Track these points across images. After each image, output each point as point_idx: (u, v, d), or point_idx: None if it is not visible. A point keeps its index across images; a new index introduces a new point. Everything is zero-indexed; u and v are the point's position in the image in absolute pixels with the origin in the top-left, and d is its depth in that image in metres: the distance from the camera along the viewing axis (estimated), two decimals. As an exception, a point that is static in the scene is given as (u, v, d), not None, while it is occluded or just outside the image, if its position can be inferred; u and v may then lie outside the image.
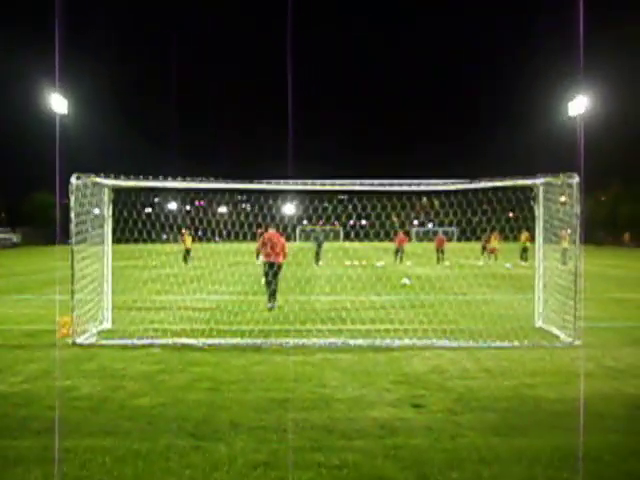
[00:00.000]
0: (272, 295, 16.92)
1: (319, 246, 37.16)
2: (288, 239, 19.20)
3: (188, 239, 33.68)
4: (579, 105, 53.15)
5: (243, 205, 20.02)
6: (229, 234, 16.57)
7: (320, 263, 36.06)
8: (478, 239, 41.21)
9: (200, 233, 15.75)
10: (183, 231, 32.88)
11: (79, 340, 12.04)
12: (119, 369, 9.91)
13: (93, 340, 12.20)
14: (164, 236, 33.56)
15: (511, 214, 15.50)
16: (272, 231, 17.29)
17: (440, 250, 39.05)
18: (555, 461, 6.14)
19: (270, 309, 16.47)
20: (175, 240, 33.62)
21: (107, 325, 13.60)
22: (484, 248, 41.08)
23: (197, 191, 15.13)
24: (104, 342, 12.04)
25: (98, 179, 12.89)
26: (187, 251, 33.85)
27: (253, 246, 18.14)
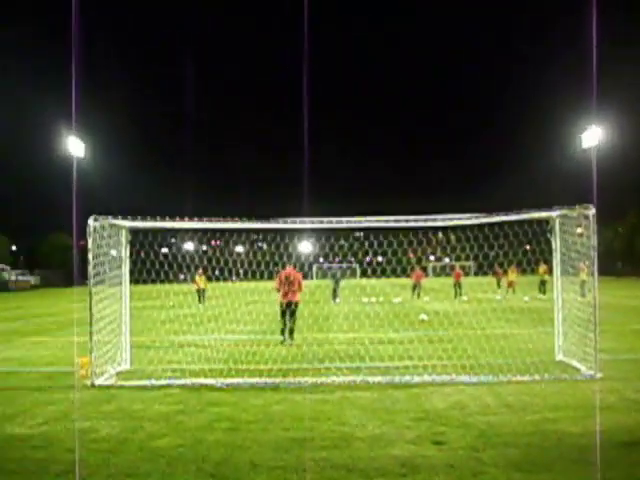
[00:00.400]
0: (290, 333, 17.32)
1: (336, 283, 37.17)
2: (305, 277, 19.22)
3: (201, 280, 34.01)
4: (592, 136, 53.09)
5: (259, 244, 20.08)
6: (246, 273, 16.62)
7: (337, 300, 36.01)
8: (495, 273, 41.08)
9: (217, 272, 15.76)
10: (200, 272, 33.17)
11: (98, 381, 12.04)
12: (138, 410, 9.90)
13: (112, 381, 12.20)
14: (181, 276, 33.71)
15: (528, 247, 15.45)
16: (289, 268, 17.46)
17: (457, 284, 38.92)
18: (580, 497, 6.04)
19: (283, 342, 17.07)
20: (193, 280, 33.80)
21: (126, 366, 13.61)
22: (498, 282, 40.87)
23: (214, 231, 15.23)
24: (123, 383, 12.04)
25: (115, 221, 13.01)
26: (201, 291, 34.26)
27: (270, 284, 18.14)
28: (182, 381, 12.07)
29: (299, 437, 8.23)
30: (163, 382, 12.00)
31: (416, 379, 11.88)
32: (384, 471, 6.88)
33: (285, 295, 17.43)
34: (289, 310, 17.44)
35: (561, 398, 10.17)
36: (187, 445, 7.96)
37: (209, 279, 33.24)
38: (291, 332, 17.43)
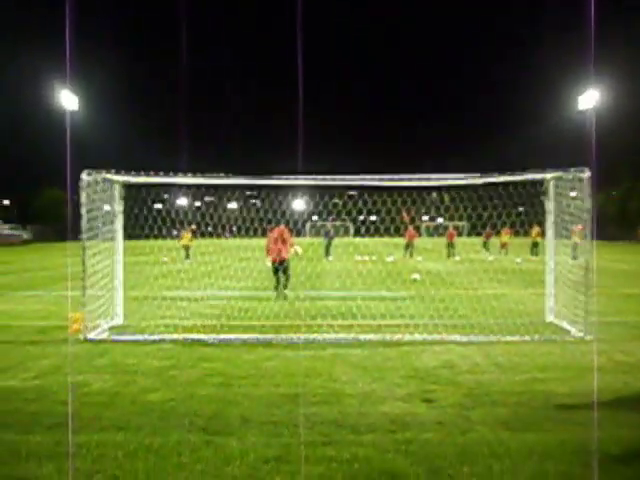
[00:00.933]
0: (284, 289, 17.80)
1: (329, 241, 37.24)
2: (299, 234, 19.31)
3: (186, 237, 34.13)
4: (589, 99, 52.78)
5: (253, 201, 20.03)
6: (239, 230, 16.59)
7: (330, 258, 36.11)
8: (487, 234, 41.21)
9: (210, 229, 15.73)
10: (193, 227, 33.24)
11: (91, 336, 12.09)
12: (131, 365, 9.96)
13: (105, 336, 12.25)
14: (174, 232, 33.72)
15: (521, 209, 15.45)
16: (281, 226, 17.58)
17: (450, 245, 39.02)
18: (566, 456, 6.13)
19: (277, 298, 17.45)
20: (179, 236, 33.86)
21: (118, 321, 13.65)
22: (485, 243, 40.99)
23: (207, 187, 15.15)
24: (115, 338, 12.09)
25: (109, 175, 12.92)
26: (186, 248, 34.51)
27: (263, 242, 18.13)
28: (174, 336, 12.12)
29: (290, 393, 8.29)
30: (156, 337, 12.05)
31: (407, 337, 11.96)
32: (374, 427, 6.96)
33: (279, 253, 17.61)
34: (281, 268, 17.66)
35: (550, 359, 10.26)
36: (179, 399, 8.02)
37: (194, 235, 33.45)
38: (285, 288, 17.73)
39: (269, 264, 17.96)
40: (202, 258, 32.01)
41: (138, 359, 10.33)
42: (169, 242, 33.71)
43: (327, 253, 36.72)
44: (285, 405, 7.77)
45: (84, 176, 12.20)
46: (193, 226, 32.15)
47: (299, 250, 18.17)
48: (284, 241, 17.58)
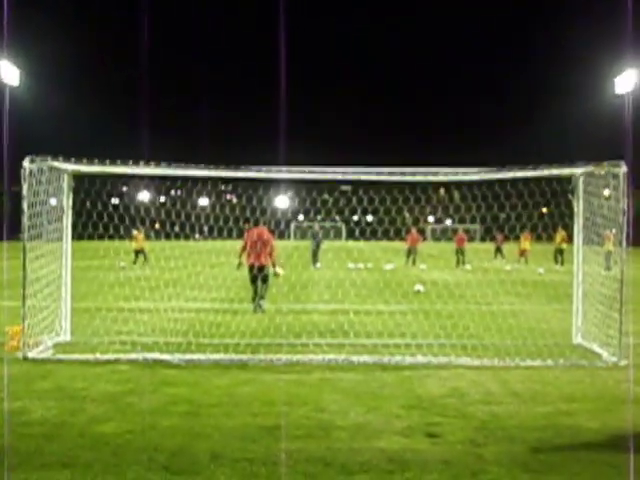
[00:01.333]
0: (261, 299, 17.85)
1: (317, 245, 37.22)
2: (281, 236, 19.26)
3: (139, 238, 34.36)
4: (627, 81, 52.99)
5: (228, 196, 20.00)
6: (211, 230, 16.55)
7: (318, 265, 36.10)
8: (505, 239, 41.30)
9: (176, 229, 15.69)
10: (135, 231, 33.69)
11: (31, 354, 12.00)
12: (79, 389, 9.89)
13: (48, 354, 12.17)
14: (134, 231, 33.70)
15: (545, 209, 15.48)
16: (260, 227, 17.62)
17: (460, 251, 39.09)
18: (596, 503, 6.11)
19: (255, 311, 17.57)
20: (147, 237, 33.87)
21: (65, 337, 13.57)
22: (497, 250, 41.15)
23: (174, 179, 15.10)
24: (61, 357, 12.01)
25: (56, 163, 12.85)
26: (137, 252, 35.30)
27: (239, 244, 18.07)
28: (132, 356, 12.06)
29: (269, 424, 8.25)
30: (110, 357, 11.98)
31: (408, 360, 11.95)
32: (368, 466, 6.93)
33: (257, 258, 17.59)
34: (261, 275, 17.63)
35: (578, 387, 10.26)
36: (137, 431, 7.96)
37: (147, 237, 33.71)
38: (261, 298, 17.77)
39: (240, 266, 18.15)
40: (166, 264, 31.93)
41: (88, 382, 10.26)
42: (127, 244, 33.66)
43: (315, 259, 36.68)
44: (263, 439, 7.73)
45: (26, 164, 12.10)
46: (139, 228, 32.48)
47: (280, 272, 18.15)
48: (264, 244, 17.53)
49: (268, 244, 17.63)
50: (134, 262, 34.78)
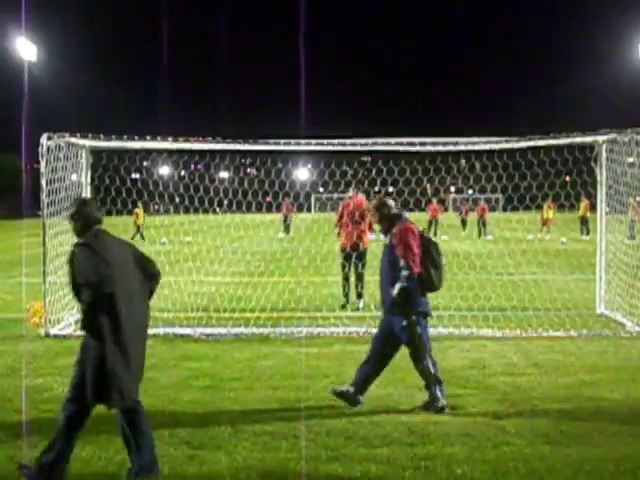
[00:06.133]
0: (358, 289, 15.18)
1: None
2: (301, 209, 19.06)
3: (140, 214, 34.41)
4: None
5: (248, 170, 19.98)
6: (231, 204, 16.53)
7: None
8: (527, 208, 41.08)
9: (197, 203, 15.67)
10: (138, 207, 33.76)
11: (53, 331, 12.09)
12: (100, 364, 9.93)
13: (70, 331, 12.26)
14: (155, 206, 33.80)
15: (568, 178, 15.36)
16: (358, 196, 15.38)
17: (482, 221, 38.94)
18: (620, 476, 6.08)
19: (344, 306, 14.95)
20: (167, 211, 33.93)
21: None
22: (463, 222, 41.09)
23: (193, 153, 15.10)
24: (82, 333, 12.05)
25: (74, 139, 12.87)
26: (139, 227, 34.85)
27: (259, 218, 18.02)
28: (153, 331, 12.09)
29: (290, 398, 8.29)
30: (131, 331, 12.03)
31: (430, 331, 11.93)
32: (389, 439, 6.94)
33: (350, 236, 14.82)
34: (358, 259, 15.00)
35: (601, 358, 10.24)
36: (157, 406, 7.99)
37: (166, 211, 33.70)
38: (359, 297, 15.16)
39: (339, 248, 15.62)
40: (185, 238, 32.05)
41: (109, 358, 10.31)
42: (147, 218, 33.76)
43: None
44: (284, 413, 7.76)
45: (44, 140, 12.13)
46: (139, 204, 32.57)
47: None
48: (361, 217, 14.76)
49: (366, 217, 14.41)
50: (133, 237, 34.88)
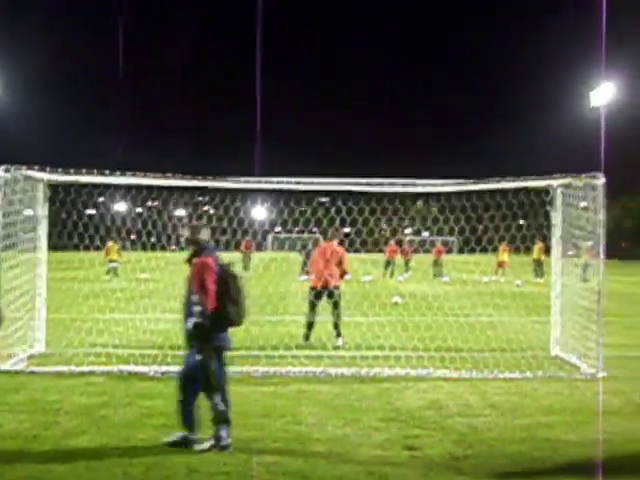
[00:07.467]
0: (336, 328, 15.13)
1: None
2: (258, 248, 19.01)
3: (113, 249, 34.16)
4: (603, 94, 53.46)
5: (205, 207, 19.89)
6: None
7: (305, 277, 35.76)
8: (484, 250, 41.41)
9: (153, 239, 15.57)
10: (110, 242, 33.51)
11: (4, 366, 11.88)
12: (53, 402, 9.79)
13: (22, 366, 12.06)
14: (109, 242, 33.54)
15: (522, 221, 15.52)
16: (327, 242, 15.66)
17: (438, 263, 39.21)
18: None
19: (306, 343, 14.90)
20: (123, 247, 33.68)
21: (39, 349, 13.44)
22: (387, 263, 40.77)
23: (150, 189, 15.03)
24: (35, 369, 11.89)
25: (31, 172, 12.76)
26: (111, 262, 34.94)
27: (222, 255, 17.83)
28: (107, 368, 11.97)
29: (246, 437, 8.20)
30: (84, 368, 11.88)
31: (386, 372, 11.92)
32: (346, 480, 6.89)
33: (321, 275, 15.09)
34: (329, 298, 15.21)
35: (556, 400, 10.28)
36: (111, 445, 7.89)
37: (123, 247, 33.48)
38: (338, 335, 15.04)
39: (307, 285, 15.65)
40: (141, 275, 31.79)
41: (62, 395, 10.17)
42: (103, 254, 33.46)
43: (304, 271, 36.16)
44: (239, 452, 7.67)
45: (1, 173, 12.01)
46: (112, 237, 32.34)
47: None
48: (328, 261, 15.12)
49: (334, 259, 15.15)
50: (107, 273, 34.56)
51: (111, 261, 34.83)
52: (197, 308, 7.72)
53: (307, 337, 15.08)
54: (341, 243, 15.89)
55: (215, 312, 7.77)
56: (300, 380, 11.36)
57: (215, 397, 7.90)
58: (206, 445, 7.80)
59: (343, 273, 15.60)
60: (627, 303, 24.65)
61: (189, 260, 8.14)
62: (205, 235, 8.23)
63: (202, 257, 7.99)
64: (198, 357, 7.87)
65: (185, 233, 8.27)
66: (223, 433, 7.79)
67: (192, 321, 7.76)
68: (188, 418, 8.00)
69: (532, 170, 13.80)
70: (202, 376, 7.92)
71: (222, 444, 7.74)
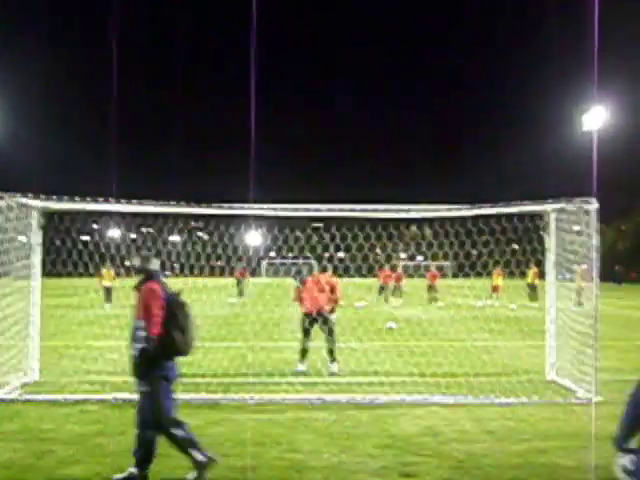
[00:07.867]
0: (333, 353, 15.08)
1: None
2: (253, 274, 19.00)
3: (109, 275, 33.97)
4: (595, 118, 53.69)
5: (199, 233, 19.89)
6: (182, 267, 16.42)
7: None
8: (478, 275, 41.38)
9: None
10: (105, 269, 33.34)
11: (-1, 395, 11.84)
12: (47, 430, 9.75)
13: (15, 395, 12.01)
14: (103, 269, 33.48)
15: (516, 246, 15.54)
16: (328, 274, 15.92)
17: (432, 288, 39.22)
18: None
19: (298, 372, 14.75)
20: (117, 274, 33.59)
21: (33, 377, 13.39)
22: (381, 289, 40.57)
23: (145, 216, 15.03)
24: (29, 397, 11.85)
25: (25, 200, 12.76)
26: (107, 289, 34.40)
27: (210, 281, 17.95)
28: (101, 396, 11.92)
29: (241, 465, 8.17)
30: (78, 397, 11.84)
31: (382, 398, 11.89)
32: (343, 508, 6.86)
33: (316, 301, 15.35)
34: (324, 324, 15.29)
35: (553, 425, 10.26)
36: (106, 474, 7.86)
37: (117, 274, 33.24)
38: (332, 360, 14.94)
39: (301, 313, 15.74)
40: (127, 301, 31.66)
41: (56, 423, 10.13)
42: (97, 281, 33.40)
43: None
44: (235, 481, 7.63)
45: (-6, 200, 12.03)
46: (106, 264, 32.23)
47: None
48: (332, 290, 15.56)
49: (336, 290, 15.73)
50: (106, 300, 34.38)
51: (105, 286, 34.66)
52: (141, 333, 7.69)
53: (302, 361, 14.99)
54: (335, 269, 15.92)
55: (161, 338, 7.69)
56: (296, 407, 11.33)
57: (168, 428, 7.73)
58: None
59: (336, 301, 15.74)
60: (622, 326, 24.66)
61: (137, 287, 8.11)
62: (155, 265, 8.23)
63: (149, 283, 7.99)
64: (143, 388, 7.82)
65: (135, 262, 8.25)
66: (195, 453, 7.62)
67: (137, 347, 7.72)
68: (141, 451, 7.88)
69: (525, 194, 13.89)
70: (150, 407, 7.81)
71: (201, 460, 7.60)
